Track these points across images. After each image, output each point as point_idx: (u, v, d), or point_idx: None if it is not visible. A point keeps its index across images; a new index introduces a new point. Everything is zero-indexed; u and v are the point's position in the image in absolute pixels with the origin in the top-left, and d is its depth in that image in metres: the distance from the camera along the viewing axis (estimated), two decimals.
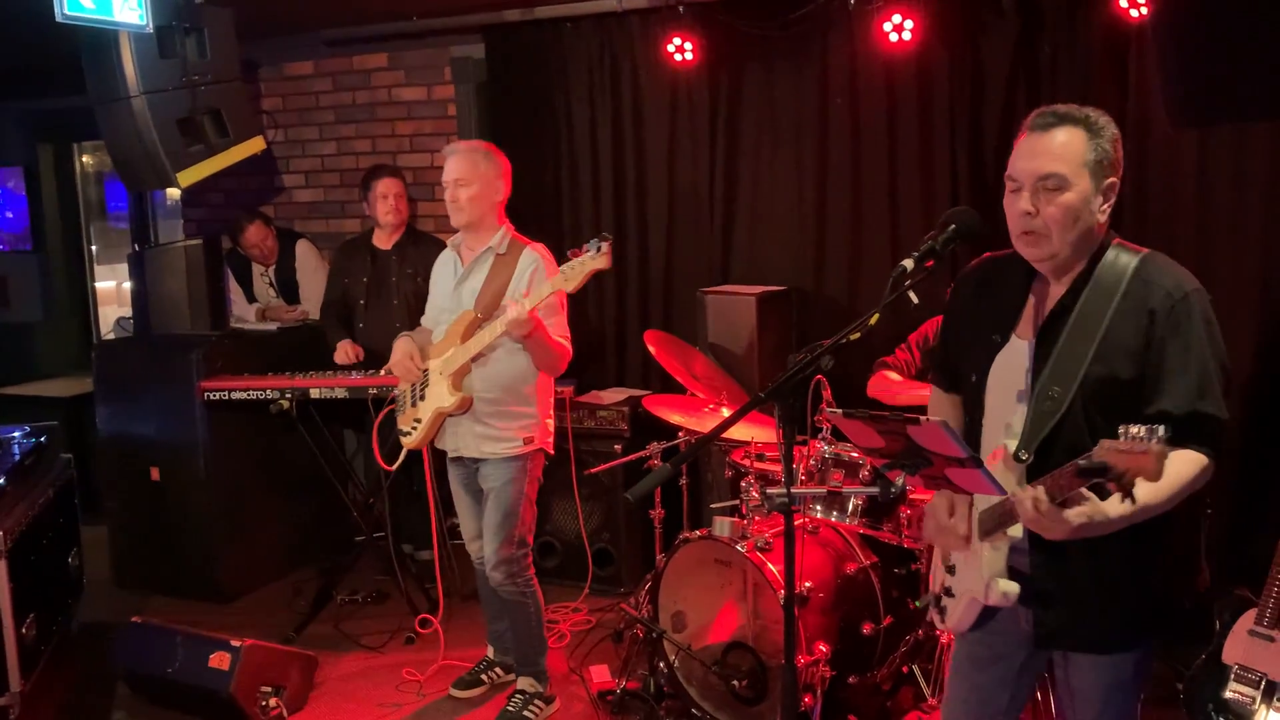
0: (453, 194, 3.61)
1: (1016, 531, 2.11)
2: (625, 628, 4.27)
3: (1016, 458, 2.07)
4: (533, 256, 3.63)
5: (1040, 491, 1.87)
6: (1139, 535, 2.04)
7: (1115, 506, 1.89)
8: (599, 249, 3.28)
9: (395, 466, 3.99)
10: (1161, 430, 1.69)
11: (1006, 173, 2.15)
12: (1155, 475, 1.70)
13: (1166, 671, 3.74)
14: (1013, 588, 2.13)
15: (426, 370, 3.72)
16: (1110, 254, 2.14)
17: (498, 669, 4.04)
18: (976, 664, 2.38)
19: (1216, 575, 3.72)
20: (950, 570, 2.34)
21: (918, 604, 3.58)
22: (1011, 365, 2.20)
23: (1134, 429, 1.70)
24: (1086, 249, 2.13)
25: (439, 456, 3.90)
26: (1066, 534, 1.91)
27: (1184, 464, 1.99)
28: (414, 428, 3.73)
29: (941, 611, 2.37)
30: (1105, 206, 2.12)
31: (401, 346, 3.76)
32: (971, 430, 2.29)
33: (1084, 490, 1.87)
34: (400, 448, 3.83)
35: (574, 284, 3.32)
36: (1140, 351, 2.05)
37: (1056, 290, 2.17)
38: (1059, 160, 2.06)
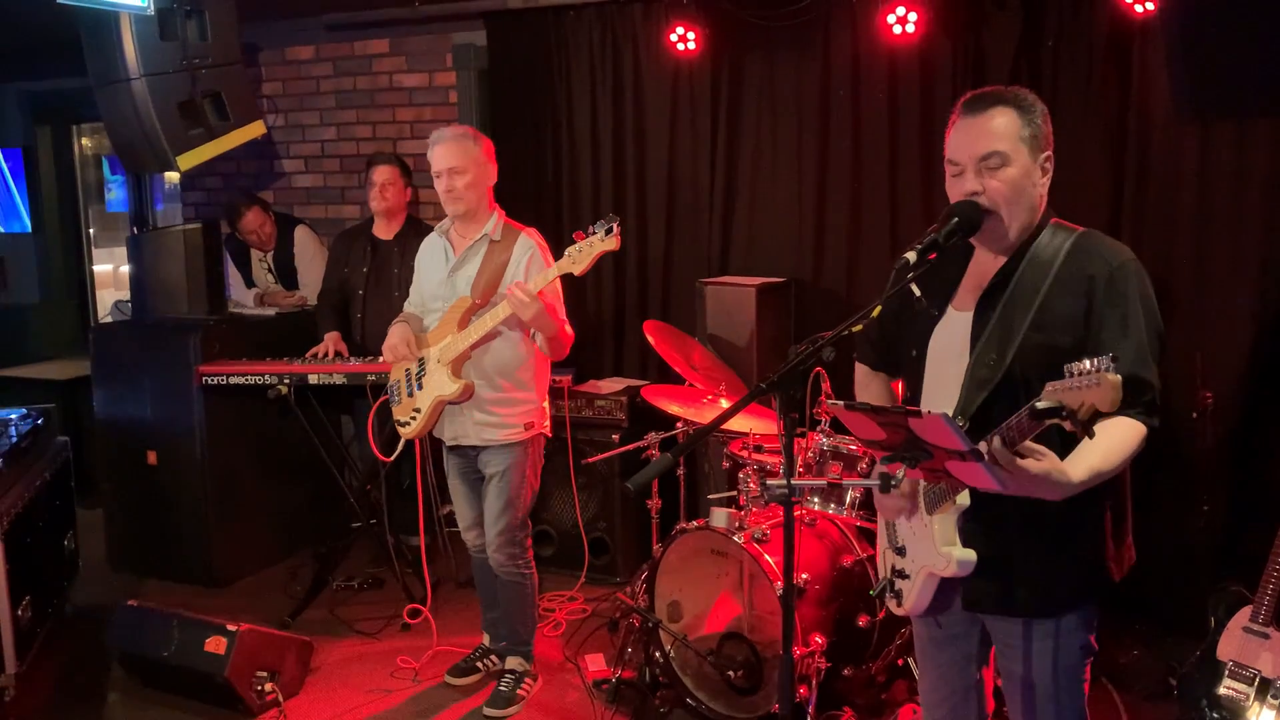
0: (449, 183, 3.55)
1: (964, 499, 2.14)
2: (621, 617, 4.27)
3: None
4: (528, 243, 3.63)
5: (996, 443, 1.88)
6: (1072, 500, 2.08)
7: (1075, 470, 1.94)
8: (608, 230, 3.27)
9: (393, 457, 3.98)
10: (1109, 360, 1.72)
11: (946, 158, 2.20)
12: (1112, 405, 1.72)
13: (1161, 667, 3.76)
14: (968, 555, 2.15)
15: (423, 358, 3.70)
16: (1048, 232, 2.20)
17: (493, 656, 4.04)
18: (937, 644, 2.43)
19: (1217, 572, 3.74)
20: (900, 551, 2.36)
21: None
22: (950, 337, 2.25)
23: (1079, 365, 1.74)
24: (1030, 224, 2.19)
25: (432, 446, 3.88)
26: (1025, 484, 1.91)
27: (1128, 429, 2.02)
28: (413, 417, 3.71)
29: (897, 595, 2.38)
30: (1044, 181, 2.19)
31: (398, 332, 3.72)
32: (912, 404, 2.33)
33: (1039, 447, 1.90)
34: (397, 438, 3.83)
35: (581, 267, 3.31)
36: (1079, 320, 2.10)
37: (995, 263, 2.22)
38: (998, 139, 2.12)
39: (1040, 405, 1.77)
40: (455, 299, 3.64)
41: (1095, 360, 1.72)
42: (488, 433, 3.65)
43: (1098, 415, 1.75)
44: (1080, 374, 1.73)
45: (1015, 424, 1.87)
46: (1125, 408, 1.97)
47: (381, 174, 4.98)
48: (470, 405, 3.62)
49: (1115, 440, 2.00)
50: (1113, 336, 2.06)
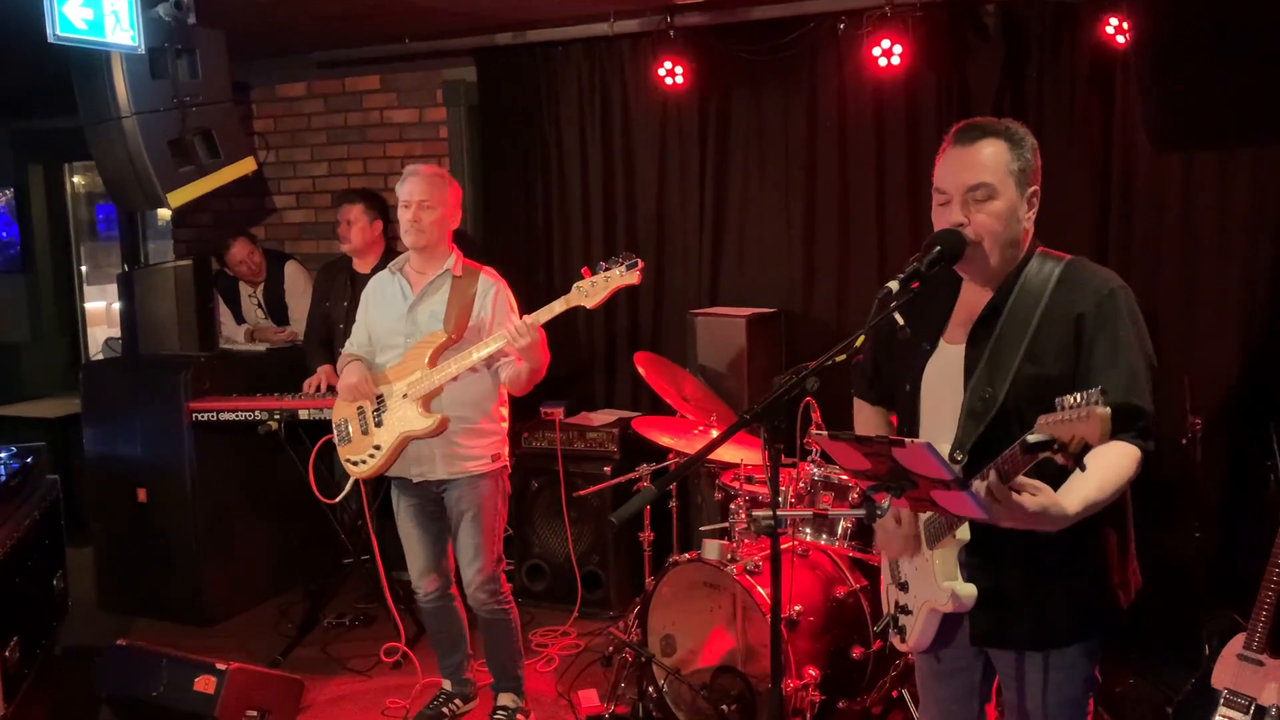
0: (415, 214, 3.60)
1: (964, 534, 2.13)
2: (614, 651, 4.24)
3: (952, 458, 2.10)
4: (490, 280, 3.67)
5: (992, 476, 1.87)
6: (1071, 530, 2.06)
7: (1070, 502, 1.92)
8: (630, 266, 3.33)
9: (339, 499, 3.97)
10: (1098, 393, 1.71)
11: (934, 186, 2.20)
12: (1101, 437, 1.71)
13: (1156, 696, 3.74)
14: (969, 590, 2.14)
15: (380, 395, 3.66)
16: (1035, 261, 2.20)
17: (456, 700, 3.97)
18: (940, 678, 2.42)
19: (1210, 599, 3.73)
20: (903, 587, 2.35)
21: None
22: (944, 371, 2.24)
23: (1070, 398, 1.73)
24: (1015, 257, 2.19)
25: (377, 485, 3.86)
26: (1022, 519, 1.90)
27: (1121, 456, 2.01)
28: (371, 454, 3.66)
29: (901, 631, 2.37)
30: (1030, 215, 2.19)
31: (358, 370, 3.69)
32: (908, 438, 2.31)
33: (1034, 481, 1.89)
34: (346, 478, 3.80)
35: (595, 300, 3.37)
36: (1070, 349, 2.10)
37: (984, 296, 2.22)
38: (986, 170, 2.12)
39: (1031, 439, 1.76)
40: (419, 334, 3.62)
41: (1085, 393, 1.71)
42: (456, 465, 3.61)
43: (1088, 448, 1.74)
44: (1070, 407, 1.72)
45: (1009, 458, 1.86)
46: (1118, 432, 1.96)
47: (342, 213, 4.96)
48: (435, 440, 3.60)
49: (1110, 468, 1.99)
50: (1103, 364, 2.06)
